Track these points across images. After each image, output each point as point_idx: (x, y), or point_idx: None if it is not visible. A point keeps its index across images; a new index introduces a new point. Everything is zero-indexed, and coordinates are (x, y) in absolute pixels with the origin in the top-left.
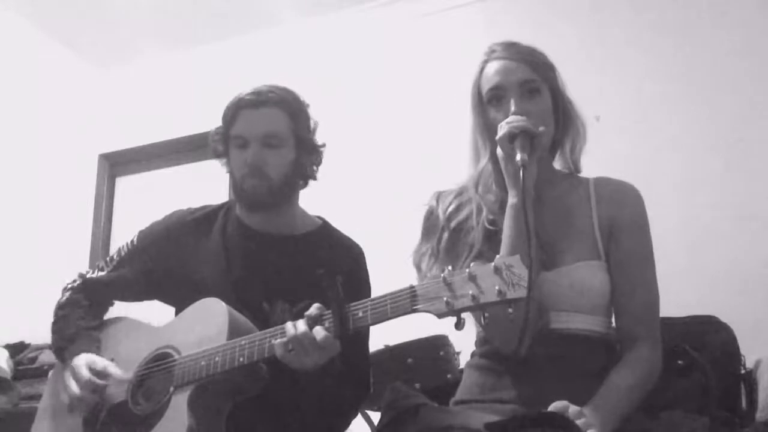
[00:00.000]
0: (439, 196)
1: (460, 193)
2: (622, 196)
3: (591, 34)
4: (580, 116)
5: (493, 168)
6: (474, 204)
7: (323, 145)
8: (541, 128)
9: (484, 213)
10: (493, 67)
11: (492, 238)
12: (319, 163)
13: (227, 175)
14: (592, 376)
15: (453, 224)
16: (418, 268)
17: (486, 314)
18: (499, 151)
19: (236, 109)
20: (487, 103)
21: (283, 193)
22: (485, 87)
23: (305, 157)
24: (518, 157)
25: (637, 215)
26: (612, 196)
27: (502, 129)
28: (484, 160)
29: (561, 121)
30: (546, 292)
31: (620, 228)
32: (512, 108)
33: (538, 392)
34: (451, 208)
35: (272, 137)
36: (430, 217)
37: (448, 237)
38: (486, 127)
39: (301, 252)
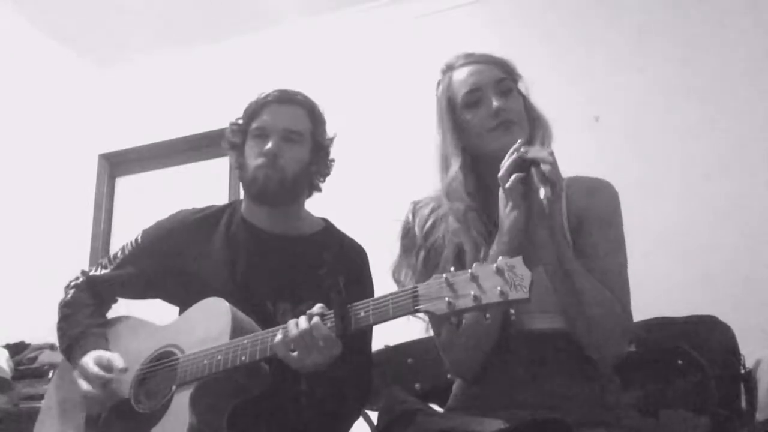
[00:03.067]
0: (415, 210)
1: (437, 207)
2: (593, 190)
3: (591, 34)
4: (544, 116)
5: (464, 176)
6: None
7: (333, 160)
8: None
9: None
10: (464, 72)
11: (462, 257)
12: (327, 175)
13: (228, 176)
14: (577, 374)
15: (429, 243)
16: (398, 282)
17: (487, 315)
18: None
19: (262, 105)
20: (464, 107)
21: (292, 190)
22: (460, 91)
23: (317, 164)
24: (542, 194)
25: (608, 208)
26: (583, 191)
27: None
28: (456, 166)
29: (530, 122)
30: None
31: (590, 219)
32: (494, 104)
33: (525, 394)
34: (427, 226)
35: (293, 133)
36: (408, 234)
37: (424, 256)
38: (459, 133)
39: (305, 253)
